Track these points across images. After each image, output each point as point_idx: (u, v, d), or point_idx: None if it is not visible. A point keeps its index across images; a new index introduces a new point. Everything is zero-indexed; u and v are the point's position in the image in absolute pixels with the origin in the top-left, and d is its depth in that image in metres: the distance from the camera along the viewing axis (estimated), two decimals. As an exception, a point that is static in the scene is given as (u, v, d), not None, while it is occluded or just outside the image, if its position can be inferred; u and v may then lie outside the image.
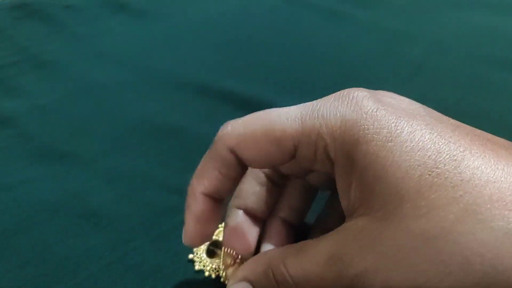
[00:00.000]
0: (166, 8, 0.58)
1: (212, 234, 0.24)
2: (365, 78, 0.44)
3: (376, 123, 0.18)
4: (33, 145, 0.38)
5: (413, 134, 0.17)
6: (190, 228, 0.23)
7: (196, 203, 0.22)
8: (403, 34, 0.50)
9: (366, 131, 0.17)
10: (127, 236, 0.30)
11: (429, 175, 0.16)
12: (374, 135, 0.17)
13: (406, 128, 0.17)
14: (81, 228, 0.30)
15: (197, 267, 0.28)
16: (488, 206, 0.15)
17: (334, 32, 0.52)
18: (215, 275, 0.27)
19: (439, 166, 0.16)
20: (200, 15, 0.56)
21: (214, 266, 0.28)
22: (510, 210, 0.15)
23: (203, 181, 0.22)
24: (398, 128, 0.17)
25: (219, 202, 0.23)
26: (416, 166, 0.16)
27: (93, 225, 0.30)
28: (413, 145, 0.17)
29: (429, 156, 0.16)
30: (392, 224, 0.16)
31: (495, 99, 0.40)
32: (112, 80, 0.45)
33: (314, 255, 0.19)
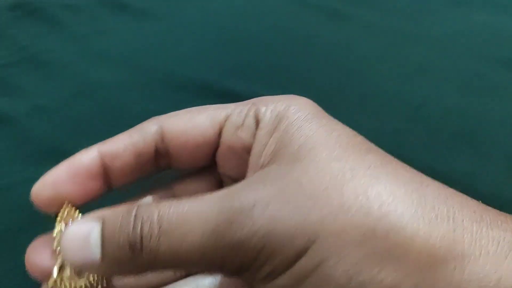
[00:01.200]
0: (166, 7, 0.58)
1: (75, 202, 0.21)
2: (366, 78, 0.44)
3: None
4: (33, 145, 0.38)
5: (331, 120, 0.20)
6: (56, 173, 0.21)
7: (84, 153, 0.21)
8: (404, 34, 0.50)
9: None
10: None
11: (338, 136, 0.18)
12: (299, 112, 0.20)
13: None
14: (81, 228, 0.30)
15: (197, 268, 0.28)
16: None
17: (336, 32, 0.52)
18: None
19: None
20: (201, 15, 0.56)
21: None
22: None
23: (108, 141, 0.22)
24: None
25: (106, 177, 0.21)
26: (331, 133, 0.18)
27: (93, 225, 0.30)
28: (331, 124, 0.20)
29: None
30: (296, 166, 0.17)
31: (496, 99, 0.39)
32: (112, 79, 0.45)
33: (199, 199, 0.18)
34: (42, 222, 0.31)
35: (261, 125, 0.20)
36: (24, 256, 0.29)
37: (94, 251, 0.18)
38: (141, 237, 0.17)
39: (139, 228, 0.17)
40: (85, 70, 0.47)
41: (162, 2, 0.59)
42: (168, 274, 0.22)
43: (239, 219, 0.16)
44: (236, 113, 0.21)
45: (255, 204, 0.16)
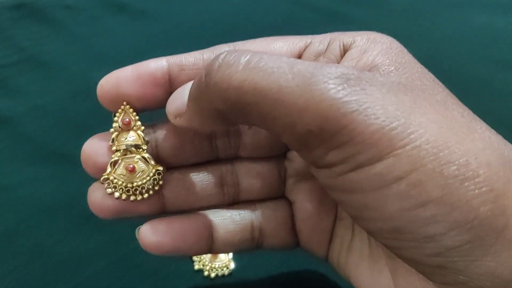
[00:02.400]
0: (165, 8, 0.58)
1: (134, 106, 0.20)
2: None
3: None
4: (33, 146, 0.38)
5: None
6: (121, 72, 0.20)
7: (152, 60, 0.20)
8: (404, 35, 0.50)
9: None
10: (127, 236, 0.30)
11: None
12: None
13: None
14: (81, 229, 0.30)
15: (196, 267, 0.28)
16: None
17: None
18: (214, 274, 0.27)
19: None
20: (200, 15, 0.56)
21: (213, 265, 0.28)
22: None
23: (179, 55, 0.20)
24: None
25: (170, 89, 0.20)
26: None
27: (93, 226, 0.30)
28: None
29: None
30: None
31: (496, 100, 0.40)
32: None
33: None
34: (42, 222, 0.32)
35: (351, 50, 0.19)
36: (24, 256, 0.29)
37: (185, 97, 0.18)
38: (214, 65, 0.16)
39: (217, 58, 0.16)
40: (84, 71, 0.47)
41: (161, 2, 0.59)
42: (216, 199, 0.22)
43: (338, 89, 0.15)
44: (317, 41, 0.20)
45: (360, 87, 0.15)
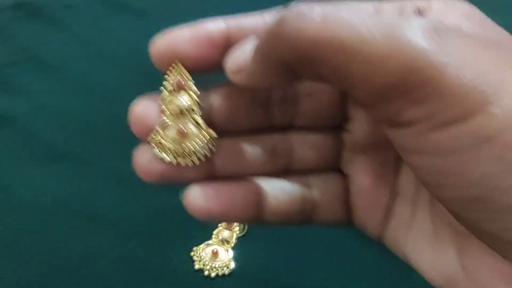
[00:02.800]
0: (166, 8, 0.58)
1: (188, 67, 0.19)
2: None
3: None
4: (33, 145, 0.38)
5: None
6: (178, 31, 0.19)
7: (210, 21, 0.19)
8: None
9: None
10: (128, 235, 0.30)
11: None
12: None
13: None
14: (82, 228, 0.30)
15: (196, 266, 0.28)
16: None
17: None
18: (215, 274, 0.27)
19: None
20: (200, 15, 0.56)
21: (213, 265, 0.28)
22: None
23: (238, 16, 0.20)
24: None
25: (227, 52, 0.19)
26: None
27: (93, 225, 0.30)
28: None
29: None
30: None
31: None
32: (113, 80, 0.45)
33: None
34: (42, 222, 0.32)
35: (429, 14, 0.17)
36: (24, 256, 0.29)
37: (247, 51, 0.17)
38: (290, 14, 0.15)
39: (291, 8, 0.15)
40: (85, 70, 0.47)
41: (162, 2, 0.59)
42: (267, 168, 0.21)
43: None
44: (388, 6, 0.19)
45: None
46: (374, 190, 0.21)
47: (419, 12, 0.18)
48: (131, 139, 0.40)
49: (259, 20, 0.19)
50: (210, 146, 0.19)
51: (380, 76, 0.14)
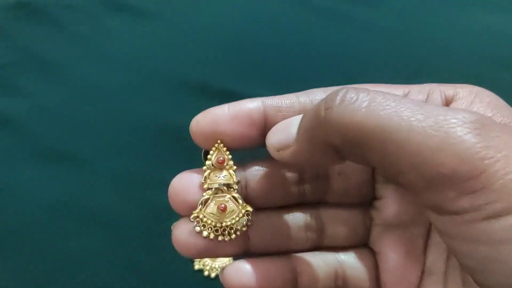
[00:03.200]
0: (167, 8, 0.58)
1: (228, 144, 0.20)
2: (366, 78, 0.43)
3: None
4: (33, 146, 0.38)
5: None
6: (218, 109, 0.20)
7: (248, 100, 0.20)
8: (404, 34, 0.50)
9: None
10: (127, 236, 0.30)
11: None
12: None
13: None
14: (82, 228, 0.30)
15: (196, 267, 0.28)
16: None
17: (336, 32, 0.52)
18: (215, 274, 0.27)
19: None
20: (201, 16, 0.56)
21: (214, 265, 0.28)
22: None
23: (273, 97, 0.21)
24: None
25: (265, 129, 0.20)
26: None
27: (93, 225, 0.30)
28: None
29: None
30: None
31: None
32: (112, 80, 0.45)
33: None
34: (42, 222, 0.31)
35: (456, 102, 0.19)
36: (24, 256, 0.29)
37: (292, 130, 0.18)
38: (336, 99, 0.16)
39: (338, 93, 0.16)
40: (84, 70, 0.47)
41: (162, 2, 0.59)
42: (300, 244, 0.21)
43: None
44: (416, 91, 0.20)
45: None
46: (404, 267, 0.21)
47: (447, 101, 0.19)
48: (131, 139, 0.40)
49: (294, 102, 0.21)
50: (247, 221, 0.20)
51: (432, 167, 0.15)
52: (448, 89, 0.19)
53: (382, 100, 0.15)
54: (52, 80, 0.46)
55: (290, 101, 0.21)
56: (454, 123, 0.15)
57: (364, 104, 0.16)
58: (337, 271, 0.21)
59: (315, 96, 0.21)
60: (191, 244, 0.20)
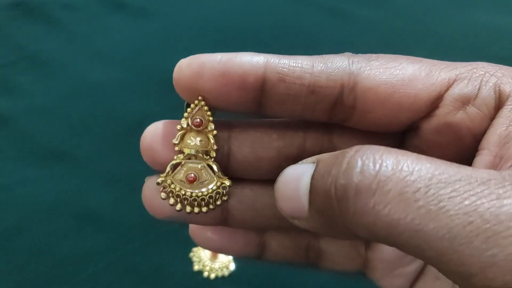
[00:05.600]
0: (165, 6, 0.58)
1: (211, 104, 0.17)
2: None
3: None
4: (31, 145, 0.38)
5: None
6: (209, 60, 0.16)
7: (249, 55, 0.16)
8: (407, 33, 0.50)
9: None
10: (126, 236, 0.29)
11: None
12: None
13: None
14: (80, 229, 0.30)
15: (196, 268, 0.28)
16: None
17: (337, 31, 0.52)
18: (214, 275, 0.27)
19: None
20: (199, 14, 0.56)
21: (213, 266, 0.27)
22: None
23: (283, 56, 0.16)
24: None
25: (261, 97, 0.16)
26: None
27: (92, 226, 0.30)
28: None
29: None
30: None
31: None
32: (111, 79, 0.45)
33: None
34: (41, 222, 0.31)
35: (507, 108, 0.15)
36: (24, 256, 0.29)
37: (303, 199, 0.14)
38: (349, 187, 0.12)
39: (351, 176, 0.12)
40: (83, 70, 0.47)
41: (161, 1, 0.59)
42: (285, 223, 0.17)
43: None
44: (466, 78, 0.16)
45: None
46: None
47: (500, 101, 0.16)
48: (129, 139, 0.40)
49: (306, 72, 0.16)
50: (222, 195, 0.17)
51: (480, 279, 0.12)
52: (505, 82, 0.16)
53: (416, 191, 0.12)
54: (50, 79, 0.46)
55: (301, 69, 0.16)
56: (508, 233, 0.11)
57: (390, 196, 0.12)
58: (312, 244, 0.19)
59: (334, 65, 0.16)
60: (158, 206, 0.18)
